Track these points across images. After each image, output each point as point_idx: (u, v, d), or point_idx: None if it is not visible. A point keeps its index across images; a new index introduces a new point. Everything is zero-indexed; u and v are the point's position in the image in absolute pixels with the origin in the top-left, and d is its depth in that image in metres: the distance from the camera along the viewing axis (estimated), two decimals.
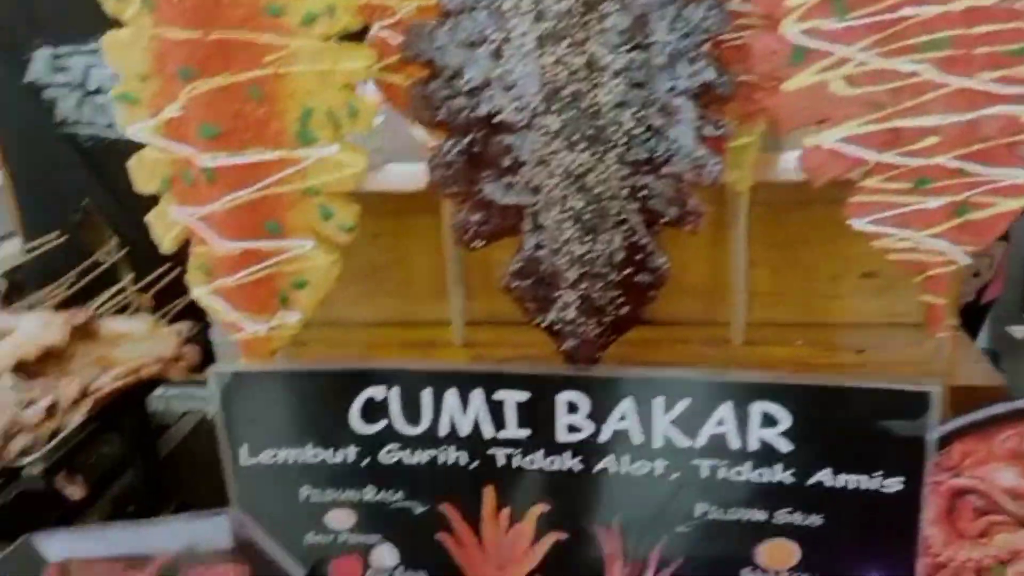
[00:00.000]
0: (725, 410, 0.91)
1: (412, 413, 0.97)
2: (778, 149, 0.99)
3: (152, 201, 1.04)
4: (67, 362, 1.25)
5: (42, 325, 1.31)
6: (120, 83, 0.99)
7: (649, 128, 0.86)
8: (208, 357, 1.37)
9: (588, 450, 0.95)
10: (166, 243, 1.06)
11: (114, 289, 1.48)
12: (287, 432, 0.99)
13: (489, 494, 0.98)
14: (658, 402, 0.92)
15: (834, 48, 0.88)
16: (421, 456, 0.98)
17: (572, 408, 0.94)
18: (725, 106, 0.89)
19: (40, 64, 1.69)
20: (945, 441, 0.94)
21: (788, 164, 0.96)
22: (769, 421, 0.91)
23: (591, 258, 0.90)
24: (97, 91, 1.68)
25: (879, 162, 0.91)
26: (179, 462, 1.42)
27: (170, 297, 1.45)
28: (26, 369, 1.20)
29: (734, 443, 0.92)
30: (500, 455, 0.97)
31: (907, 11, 0.86)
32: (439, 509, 0.99)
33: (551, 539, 0.98)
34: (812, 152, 0.92)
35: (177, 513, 1.33)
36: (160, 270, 1.45)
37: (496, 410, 0.95)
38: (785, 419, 0.90)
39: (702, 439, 0.93)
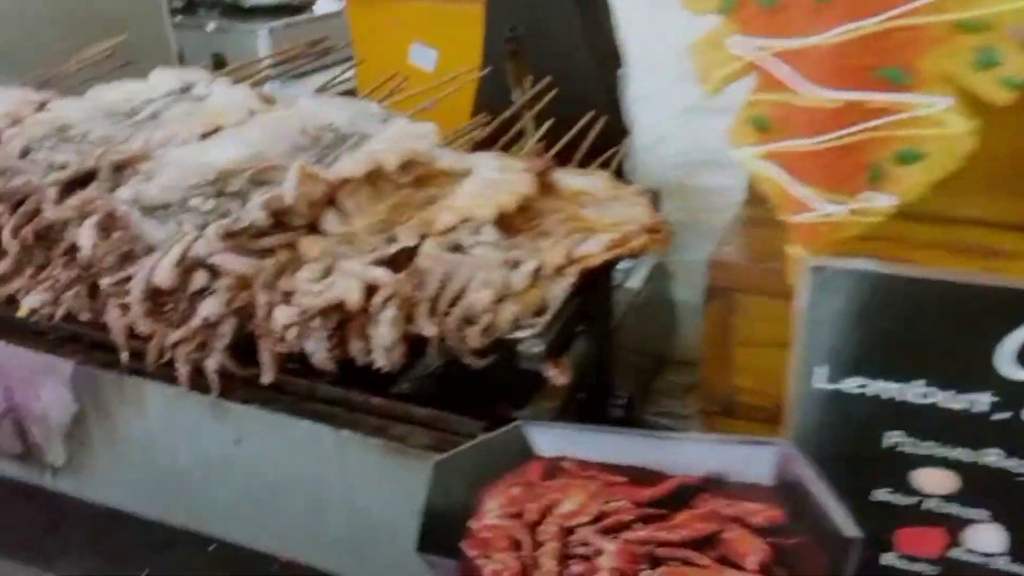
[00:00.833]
0: None
1: None
2: None
3: None
4: (537, 218, 1.07)
5: (498, 168, 1.13)
6: None
7: None
8: None
9: None
10: (711, 83, 0.85)
11: None
12: (890, 359, 0.74)
13: None
14: None
15: None
16: None
17: None
18: None
19: None
20: None
21: None
22: None
23: None
24: None
25: None
26: None
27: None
28: (503, 223, 1.02)
29: None
30: None
31: None
32: None
33: None
34: None
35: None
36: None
37: None
38: None
39: None
